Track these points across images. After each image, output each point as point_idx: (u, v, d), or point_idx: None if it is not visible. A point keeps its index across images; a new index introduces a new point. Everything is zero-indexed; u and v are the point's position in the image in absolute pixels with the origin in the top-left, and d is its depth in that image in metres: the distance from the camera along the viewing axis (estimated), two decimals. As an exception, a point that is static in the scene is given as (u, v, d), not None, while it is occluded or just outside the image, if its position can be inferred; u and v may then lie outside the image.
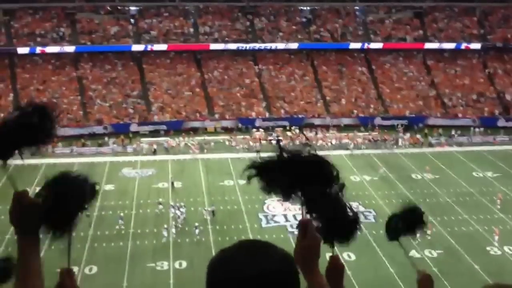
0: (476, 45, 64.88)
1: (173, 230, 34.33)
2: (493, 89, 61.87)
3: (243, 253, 2.09)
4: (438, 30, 66.08)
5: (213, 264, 2.09)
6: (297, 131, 53.00)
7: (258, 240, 2.22)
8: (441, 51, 65.42)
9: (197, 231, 34.02)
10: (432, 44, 64.82)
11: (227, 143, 50.67)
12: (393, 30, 65.67)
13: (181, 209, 36.17)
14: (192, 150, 48.33)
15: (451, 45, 64.71)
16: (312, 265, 2.47)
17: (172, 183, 41.31)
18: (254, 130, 53.09)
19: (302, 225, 2.60)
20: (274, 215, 36.39)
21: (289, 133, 52.49)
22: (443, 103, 59.95)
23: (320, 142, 49.96)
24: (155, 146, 48.69)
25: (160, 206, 36.84)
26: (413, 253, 30.76)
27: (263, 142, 50.21)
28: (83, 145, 49.16)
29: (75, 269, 29.48)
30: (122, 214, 35.79)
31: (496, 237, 33.54)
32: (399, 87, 61.68)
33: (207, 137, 51.37)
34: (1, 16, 59.25)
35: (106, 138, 50.63)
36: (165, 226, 34.59)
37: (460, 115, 58.00)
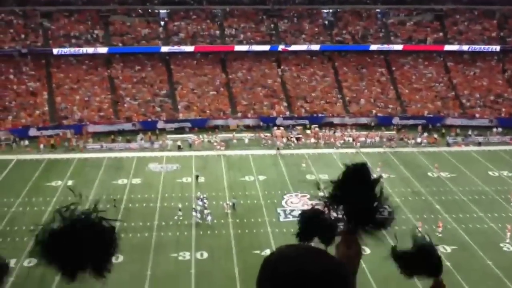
0: (495, 48, 63.79)
1: (198, 214, 34.89)
2: (511, 90, 60.73)
3: (304, 252, 2.10)
4: (458, 33, 65.14)
5: (275, 259, 2.09)
6: (317, 129, 52.99)
7: (310, 245, 2.25)
8: (460, 53, 64.49)
9: (209, 217, 34.68)
10: (452, 46, 63.91)
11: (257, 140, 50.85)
12: (413, 32, 64.95)
13: (205, 200, 36.52)
14: (217, 146, 48.55)
15: (470, 47, 63.72)
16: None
17: (197, 177, 41.63)
18: (275, 128, 53.13)
19: (347, 236, 2.61)
20: (292, 210, 36.32)
21: (308, 131, 52.58)
22: (461, 104, 59.09)
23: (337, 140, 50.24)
24: (179, 143, 49.00)
25: (200, 202, 36.60)
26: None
27: (284, 139, 50.34)
28: (113, 141, 49.82)
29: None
30: (180, 205, 36.02)
31: (509, 234, 32.96)
32: (418, 88, 61.01)
33: (235, 134, 51.85)
34: (39, 18, 60.40)
35: (140, 134, 51.02)
36: (194, 207, 35.70)
37: (477, 115, 57.11)
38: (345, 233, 2.63)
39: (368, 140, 50.81)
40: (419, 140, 51.24)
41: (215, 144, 49.13)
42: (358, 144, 49.74)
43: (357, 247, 2.58)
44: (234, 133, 52.14)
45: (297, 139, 50.75)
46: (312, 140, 50.66)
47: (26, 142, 48.41)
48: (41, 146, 47.52)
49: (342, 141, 50.41)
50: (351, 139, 50.83)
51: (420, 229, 32.60)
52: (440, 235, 32.68)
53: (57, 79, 57.48)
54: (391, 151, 48.82)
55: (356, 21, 65.77)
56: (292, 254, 2.08)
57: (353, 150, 48.73)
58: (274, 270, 2.05)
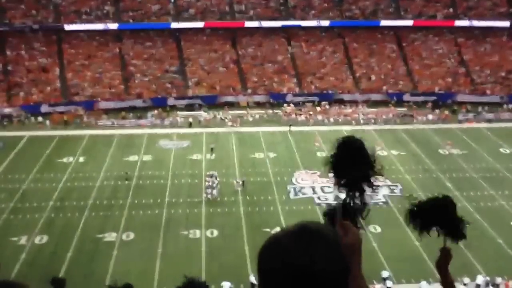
0: (505, 23, 61.93)
1: (208, 190, 34.21)
2: (522, 66, 59.10)
3: (304, 244, 1.86)
4: (468, 8, 63.26)
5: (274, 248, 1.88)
6: (327, 106, 51.87)
7: (317, 227, 1.93)
8: (471, 28, 62.70)
9: (215, 191, 34.12)
10: (462, 22, 62.11)
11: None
12: (423, 7, 63.17)
13: (214, 179, 35.69)
14: (229, 123, 47.68)
15: (481, 23, 61.90)
16: (352, 263, 2.17)
17: (211, 149, 40.93)
18: (285, 105, 52.07)
19: (342, 225, 2.30)
20: (302, 187, 35.51)
21: (318, 108, 51.48)
22: (472, 80, 57.63)
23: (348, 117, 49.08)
24: (190, 119, 48.15)
25: (209, 179, 35.52)
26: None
27: (293, 116, 49.33)
28: (123, 117, 48.96)
29: (113, 234, 29.46)
30: (207, 184, 35.07)
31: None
32: (428, 64, 59.51)
33: (249, 111, 50.79)
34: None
35: (155, 111, 50.07)
36: (206, 179, 34.99)
37: (488, 92, 55.69)
38: (340, 220, 2.34)
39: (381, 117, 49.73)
40: (430, 117, 50.05)
41: (227, 120, 48.23)
42: (379, 120, 48.77)
43: (354, 233, 2.26)
44: (247, 109, 51.12)
45: (309, 115, 49.66)
46: (320, 117, 49.58)
47: (40, 119, 47.73)
48: (47, 122, 46.87)
49: (352, 118, 49.27)
50: (361, 116, 49.67)
51: None
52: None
53: (68, 55, 56.52)
54: (402, 128, 47.70)
55: (366, -4, 63.96)
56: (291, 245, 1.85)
57: (362, 127, 47.56)
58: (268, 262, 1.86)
